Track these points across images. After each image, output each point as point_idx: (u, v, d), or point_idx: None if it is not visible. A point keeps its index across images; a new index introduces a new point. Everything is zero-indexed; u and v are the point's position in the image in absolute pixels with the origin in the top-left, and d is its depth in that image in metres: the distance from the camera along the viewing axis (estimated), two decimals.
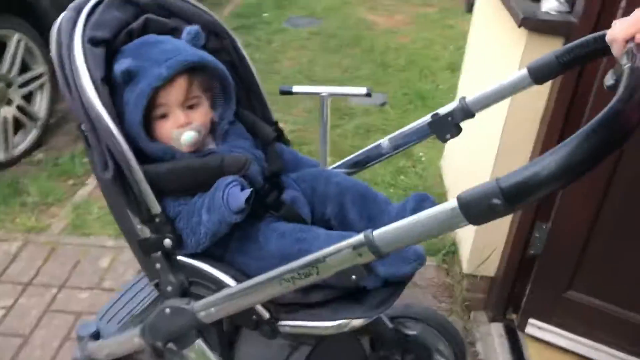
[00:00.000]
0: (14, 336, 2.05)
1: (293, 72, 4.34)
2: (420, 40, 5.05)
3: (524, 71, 1.31)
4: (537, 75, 1.29)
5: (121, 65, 1.20)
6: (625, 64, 0.97)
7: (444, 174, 3.07)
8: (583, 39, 1.20)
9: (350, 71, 4.43)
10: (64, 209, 2.73)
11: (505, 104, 1.85)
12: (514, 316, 2.16)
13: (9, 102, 2.98)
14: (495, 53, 2.11)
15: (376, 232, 0.95)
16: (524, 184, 0.78)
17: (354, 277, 1.01)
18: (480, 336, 2.13)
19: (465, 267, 2.20)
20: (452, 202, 0.84)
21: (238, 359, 1.78)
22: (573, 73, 1.69)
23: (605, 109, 0.81)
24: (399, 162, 3.25)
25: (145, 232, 1.27)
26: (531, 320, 2.08)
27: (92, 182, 2.94)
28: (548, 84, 1.74)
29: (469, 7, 5.58)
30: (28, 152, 3.13)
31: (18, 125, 3.10)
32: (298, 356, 1.75)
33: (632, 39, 1.02)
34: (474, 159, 2.30)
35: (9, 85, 2.97)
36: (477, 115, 2.09)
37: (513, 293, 2.12)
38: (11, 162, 3.02)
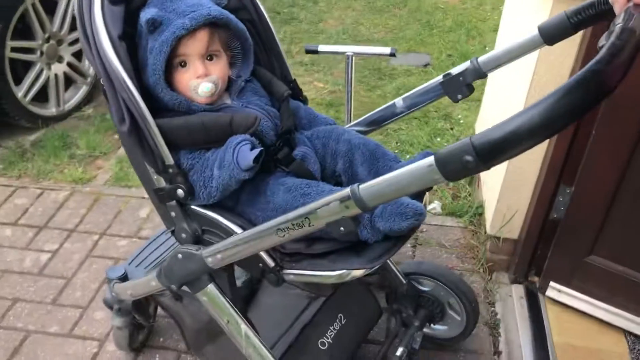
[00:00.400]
0: (57, 278, 2.22)
1: (337, 32, 4.33)
2: (469, 0, 4.92)
3: (535, 31, 1.29)
4: (548, 35, 1.28)
5: (147, 14, 1.26)
6: (618, 23, 0.96)
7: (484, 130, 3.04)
8: (589, 1, 1.18)
9: (395, 32, 4.39)
10: (109, 161, 2.88)
11: (531, 65, 1.83)
12: (535, 279, 2.17)
13: (59, 60, 3.14)
14: (525, 13, 2.06)
15: (362, 186, 0.99)
16: (495, 142, 0.81)
17: (342, 228, 1.06)
18: (501, 297, 2.15)
19: (489, 229, 2.21)
20: (430, 159, 0.87)
21: (259, 308, 1.89)
22: (603, 31, 1.64)
23: (583, 69, 0.82)
24: (437, 124, 3.25)
25: (160, 181, 1.35)
26: (552, 284, 2.09)
27: None
28: (575, 43, 1.73)
29: None
30: (77, 108, 3.29)
31: (68, 82, 3.26)
32: (314, 306, 1.83)
33: None
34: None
35: (59, 42, 3.11)
36: (507, 76, 2.07)
37: (535, 256, 2.12)
38: (62, 117, 3.19)
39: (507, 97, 2.19)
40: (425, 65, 3.95)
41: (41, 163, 2.83)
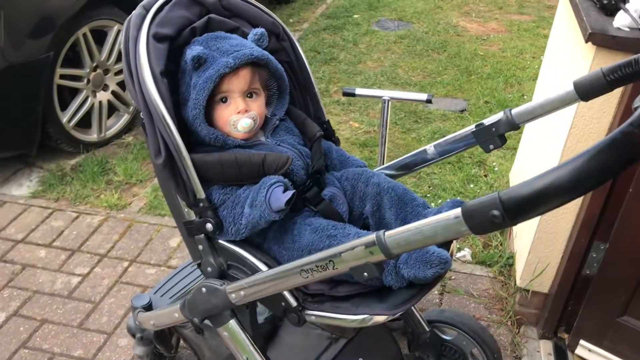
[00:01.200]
0: (86, 302, 2.25)
1: (375, 74, 4.38)
2: (510, 49, 4.92)
3: (570, 87, 1.29)
4: (583, 91, 1.28)
5: (193, 51, 1.31)
6: None
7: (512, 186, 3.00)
8: (631, 57, 1.17)
9: (433, 76, 4.41)
10: (144, 189, 2.95)
11: (568, 119, 1.82)
12: (565, 335, 2.11)
13: (105, 88, 3.25)
14: (565, 66, 2.06)
15: (387, 233, 0.99)
16: (523, 199, 0.80)
17: (365, 274, 1.06)
18: (528, 352, 2.09)
19: (519, 281, 2.17)
20: (457, 211, 0.87)
21: (279, 345, 1.88)
22: None
23: (615, 131, 0.81)
24: (471, 170, 3.22)
25: (190, 214, 1.38)
26: (582, 342, 2.02)
27: None
28: (614, 101, 1.71)
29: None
30: (118, 135, 3.39)
31: (111, 110, 3.36)
32: (335, 348, 1.81)
33: None
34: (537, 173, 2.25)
35: (106, 72, 3.23)
36: (546, 128, 2.06)
37: (566, 312, 2.07)
38: (102, 143, 3.29)
39: (543, 149, 2.17)
40: (462, 111, 3.95)
41: (79, 187, 2.91)
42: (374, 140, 3.48)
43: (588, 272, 1.95)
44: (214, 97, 1.36)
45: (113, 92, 3.30)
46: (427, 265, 1.26)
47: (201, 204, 1.34)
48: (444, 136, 3.76)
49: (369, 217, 1.45)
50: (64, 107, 3.03)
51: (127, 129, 3.46)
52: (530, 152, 2.51)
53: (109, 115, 3.36)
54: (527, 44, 5.06)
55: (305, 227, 1.34)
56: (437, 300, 2.32)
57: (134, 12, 1.39)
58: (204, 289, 1.39)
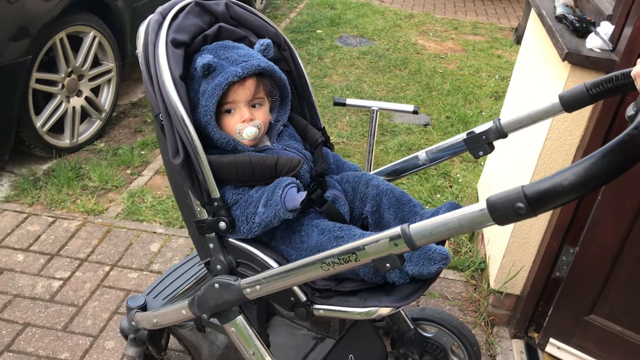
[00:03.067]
0: (69, 305, 2.24)
1: (341, 88, 4.50)
2: (467, 67, 5.16)
3: (556, 99, 1.41)
4: (568, 104, 1.40)
5: (203, 59, 1.37)
6: None
7: (480, 196, 3.16)
8: (612, 74, 1.30)
9: (396, 91, 4.57)
10: (121, 195, 2.94)
11: (543, 131, 1.97)
12: (535, 334, 2.25)
13: (78, 93, 3.23)
14: (539, 84, 2.22)
15: (412, 226, 1.07)
16: (545, 192, 0.90)
17: (388, 265, 1.14)
18: (502, 350, 2.22)
19: (493, 284, 2.30)
20: (481, 204, 0.97)
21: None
22: (611, 106, 1.79)
23: (622, 133, 0.93)
24: (437, 181, 3.37)
25: (203, 214, 1.43)
26: (552, 340, 2.17)
27: (147, 174, 3.15)
28: (586, 115, 1.87)
29: (518, 39, 5.69)
30: (90, 141, 3.37)
31: (83, 116, 3.34)
32: (322, 348, 1.89)
33: None
34: (509, 184, 2.40)
35: (80, 77, 3.21)
36: (517, 141, 2.20)
37: (536, 312, 2.21)
38: (74, 149, 3.26)
39: (515, 161, 2.32)
40: (425, 125, 4.11)
41: (54, 192, 2.88)
42: (344, 151, 3.59)
43: (558, 275, 2.09)
44: (221, 107, 1.42)
45: (86, 98, 3.28)
46: (430, 262, 1.35)
47: (215, 203, 1.40)
48: (410, 149, 3.93)
49: (369, 217, 1.53)
50: (37, 112, 3.00)
51: (99, 135, 3.44)
52: (499, 164, 2.66)
53: (82, 121, 3.33)
54: (483, 63, 5.31)
55: (313, 228, 1.41)
56: (414, 302, 2.42)
57: (150, 17, 1.43)
58: (216, 285, 1.44)
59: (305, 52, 5.17)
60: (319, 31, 5.72)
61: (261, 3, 6.09)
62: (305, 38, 5.47)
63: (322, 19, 6.03)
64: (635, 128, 0.95)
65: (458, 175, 3.47)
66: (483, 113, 4.32)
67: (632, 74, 1.22)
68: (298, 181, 1.39)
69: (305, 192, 1.37)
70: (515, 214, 0.92)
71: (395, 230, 1.09)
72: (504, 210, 0.94)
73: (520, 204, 0.91)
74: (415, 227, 1.07)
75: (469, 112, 4.29)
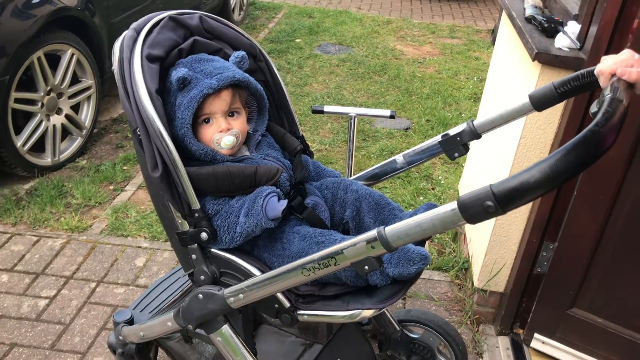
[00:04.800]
0: (55, 323, 2.23)
1: (322, 96, 4.53)
2: (445, 70, 5.22)
3: (526, 99, 1.45)
4: (538, 103, 1.43)
5: (178, 72, 1.39)
6: (607, 94, 1.13)
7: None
8: (577, 72, 1.34)
9: (376, 97, 4.61)
10: (104, 211, 2.94)
11: (518, 130, 2.01)
12: (520, 330, 2.28)
13: (58, 112, 3.23)
14: (512, 84, 2.26)
15: (387, 229, 1.10)
16: (513, 190, 0.92)
17: (366, 267, 1.16)
18: (488, 348, 2.25)
19: (477, 283, 2.33)
20: (452, 204, 0.99)
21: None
22: (582, 103, 1.83)
23: (584, 130, 0.96)
24: (419, 184, 3.40)
25: (184, 225, 1.44)
26: (536, 335, 2.20)
27: (130, 189, 3.15)
28: (558, 113, 1.91)
29: (495, 40, 5.77)
30: (72, 159, 3.36)
31: (64, 133, 3.34)
32: (310, 353, 1.90)
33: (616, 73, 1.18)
34: (488, 183, 2.44)
35: (59, 95, 3.21)
36: (494, 141, 2.24)
37: (520, 308, 2.24)
38: (56, 167, 3.26)
39: (493, 160, 2.36)
40: (406, 129, 4.15)
41: (37, 211, 2.87)
42: (326, 158, 3.62)
43: (539, 270, 2.13)
44: (198, 118, 1.45)
45: (67, 116, 3.28)
46: (409, 263, 1.38)
47: (196, 215, 1.41)
48: (392, 153, 3.97)
49: (349, 222, 1.56)
50: (17, 131, 2.99)
51: (81, 152, 3.44)
52: (478, 164, 2.71)
53: (63, 139, 3.33)
54: (461, 65, 5.37)
55: (294, 235, 1.43)
56: (401, 304, 2.45)
57: (125, 34, 1.45)
58: (200, 295, 1.45)
59: (285, 61, 5.20)
60: (298, 40, 5.76)
61: (239, 14, 6.12)
62: (285, 47, 5.51)
63: (301, 28, 6.08)
64: (596, 124, 0.99)
65: (440, 178, 3.50)
66: (462, 115, 4.38)
67: (595, 72, 1.27)
68: (278, 190, 1.42)
69: (286, 201, 1.39)
70: (485, 212, 0.95)
71: (372, 233, 1.11)
72: (475, 209, 0.96)
73: (490, 202, 0.94)
74: (390, 229, 1.09)
75: (448, 115, 4.34)
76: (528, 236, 2.10)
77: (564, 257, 2.04)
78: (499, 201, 0.93)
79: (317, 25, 6.22)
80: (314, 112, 2.11)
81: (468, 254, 2.59)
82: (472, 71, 5.24)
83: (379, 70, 5.13)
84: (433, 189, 3.41)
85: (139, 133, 1.39)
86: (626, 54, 1.23)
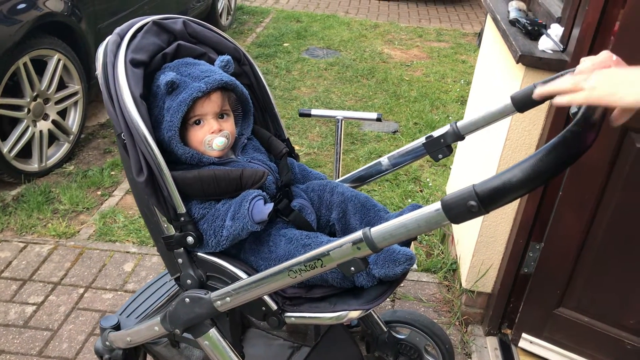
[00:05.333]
0: (43, 330, 2.22)
1: (310, 99, 4.54)
2: (433, 73, 5.25)
3: (508, 100, 1.46)
4: (519, 104, 1.44)
5: (167, 77, 1.39)
6: None
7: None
8: (558, 73, 1.36)
9: (364, 100, 4.63)
10: (92, 217, 2.93)
11: (503, 131, 2.03)
12: (508, 331, 2.29)
13: (45, 117, 3.22)
14: (497, 86, 2.28)
15: (373, 229, 1.11)
16: (495, 189, 0.94)
17: (352, 268, 1.17)
18: (477, 349, 2.26)
19: (465, 284, 2.34)
20: (437, 204, 1.00)
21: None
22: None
23: (564, 130, 0.97)
24: (407, 186, 3.42)
25: (170, 229, 1.44)
26: (524, 335, 2.21)
27: (118, 194, 3.14)
28: (543, 114, 1.93)
29: (481, 44, 5.81)
30: (59, 164, 3.35)
31: (51, 139, 3.33)
32: (298, 356, 1.90)
33: None
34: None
35: (46, 101, 3.20)
36: (481, 142, 2.26)
37: (508, 309, 2.26)
38: (43, 173, 3.24)
39: (479, 161, 2.38)
40: (394, 132, 4.17)
41: (24, 217, 2.85)
42: (314, 161, 3.62)
43: (526, 270, 2.15)
44: (188, 120, 1.45)
45: (53, 122, 3.27)
46: (395, 263, 1.39)
47: (182, 219, 1.41)
48: (380, 156, 4.00)
49: (336, 224, 1.56)
50: (3, 137, 2.98)
51: (68, 157, 3.42)
52: (465, 166, 2.72)
53: (50, 145, 3.31)
54: (448, 69, 5.40)
55: (280, 238, 1.44)
56: (390, 306, 2.45)
57: (108, 38, 1.45)
58: (187, 300, 1.45)
59: (273, 65, 5.21)
60: (285, 44, 5.77)
61: (227, 19, 6.12)
62: (273, 52, 5.52)
63: (289, 32, 6.09)
64: (576, 124, 1.00)
65: (428, 180, 3.52)
66: (450, 118, 4.40)
67: (575, 73, 1.28)
68: (264, 193, 1.42)
69: (272, 204, 1.40)
70: (468, 212, 0.96)
71: (357, 234, 1.12)
72: (458, 209, 0.97)
73: (473, 202, 0.95)
74: (376, 230, 1.10)
75: (436, 118, 4.36)
76: (514, 237, 2.11)
77: (551, 257, 2.06)
78: (481, 201, 0.94)
79: (304, 29, 6.23)
80: (301, 115, 2.11)
81: (456, 255, 2.60)
82: (459, 74, 5.27)
83: (366, 74, 5.15)
84: (421, 191, 3.43)
85: (123, 138, 1.39)
86: (604, 55, 1.24)
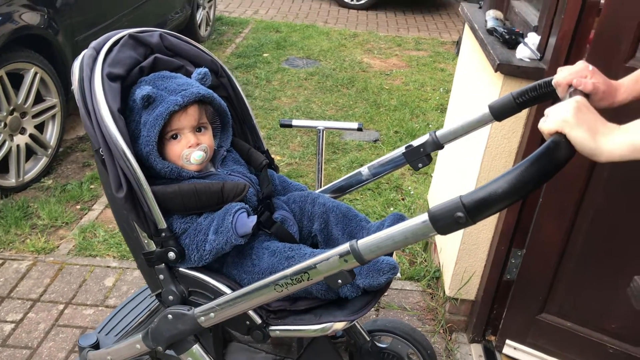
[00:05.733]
0: (22, 348, 2.18)
1: (291, 109, 4.54)
2: (412, 82, 5.28)
3: (486, 109, 1.47)
4: (497, 113, 1.45)
5: (142, 91, 1.38)
6: None
7: (431, 207, 3.23)
8: (535, 82, 1.37)
9: (345, 110, 4.64)
10: (72, 231, 2.88)
11: (483, 139, 2.04)
12: (492, 337, 2.30)
13: (22, 131, 3.17)
14: (476, 94, 2.30)
15: (360, 242, 1.11)
16: (482, 201, 0.94)
17: (339, 281, 1.17)
18: (461, 356, 2.26)
19: (448, 291, 2.35)
20: (423, 216, 1.01)
21: None
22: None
23: (547, 141, 0.98)
24: (389, 195, 3.42)
25: (151, 245, 1.42)
26: (508, 341, 2.22)
27: (98, 208, 3.10)
28: (522, 121, 1.95)
29: (459, 52, 5.87)
30: (37, 179, 3.30)
31: (29, 153, 3.28)
32: None
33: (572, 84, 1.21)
34: (456, 193, 2.47)
35: (23, 115, 3.16)
36: (461, 151, 2.27)
37: (491, 316, 2.27)
38: (21, 188, 3.19)
39: (460, 169, 2.39)
40: (375, 141, 4.18)
41: (1, 233, 2.80)
42: (296, 171, 3.62)
43: (509, 277, 2.16)
44: (165, 134, 1.44)
45: (31, 135, 3.22)
46: (379, 273, 1.39)
47: (163, 234, 1.40)
48: (362, 165, 4.00)
49: (318, 235, 1.56)
50: None
51: (46, 171, 3.38)
52: (446, 174, 2.74)
53: (27, 159, 3.27)
54: (427, 77, 5.45)
55: (263, 250, 1.43)
56: (374, 315, 2.45)
57: (84, 52, 1.43)
58: (170, 316, 1.43)
59: (253, 75, 5.20)
60: (265, 55, 5.77)
61: (206, 30, 6.11)
62: (252, 62, 5.51)
63: (268, 43, 6.09)
64: (558, 135, 1.01)
65: (410, 188, 3.53)
66: (430, 126, 4.43)
67: (553, 82, 1.30)
68: (247, 206, 1.41)
69: (256, 217, 1.39)
70: (456, 223, 0.97)
71: (344, 246, 1.12)
72: (445, 221, 0.98)
73: (460, 214, 0.95)
74: (363, 243, 1.10)
75: (416, 126, 4.38)
76: (496, 244, 2.13)
77: (532, 263, 2.08)
78: (468, 212, 0.95)
79: (284, 39, 6.24)
80: (282, 126, 2.11)
81: (439, 263, 2.61)
82: (438, 82, 5.32)
83: (347, 83, 5.17)
84: (403, 199, 3.44)
85: (101, 153, 1.37)
86: (581, 65, 1.26)
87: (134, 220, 1.40)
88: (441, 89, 5.15)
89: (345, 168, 3.73)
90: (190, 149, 1.45)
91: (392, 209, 3.31)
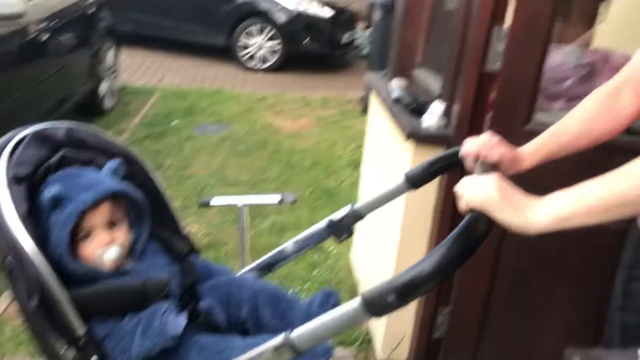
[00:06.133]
0: None
1: (205, 177, 4.49)
2: (323, 141, 5.40)
3: (403, 178, 1.52)
4: (412, 181, 1.51)
5: (50, 191, 1.31)
6: (479, 174, 1.21)
7: (354, 267, 3.26)
8: (445, 152, 1.44)
9: (260, 173, 4.65)
10: None
11: (401, 203, 2.09)
12: None
13: None
14: (389, 157, 2.38)
15: (294, 333, 1.08)
16: (409, 283, 0.96)
17: None
18: None
19: (381, 354, 2.34)
20: (357, 300, 1.00)
21: None
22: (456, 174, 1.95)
23: (466, 218, 1.02)
24: (312, 257, 3.41)
25: (70, 353, 1.32)
26: None
27: (3, 303, 2.87)
28: (434, 187, 2.02)
29: (364, 109, 6.08)
30: None
31: None
32: None
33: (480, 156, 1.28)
34: (379, 252, 2.51)
35: None
36: (379, 213, 2.32)
37: None
38: None
39: (382, 230, 2.43)
40: (293, 202, 4.18)
41: None
42: (216, 240, 3.55)
43: (438, 335, 2.19)
44: (77, 234, 1.37)
45: None
46: (314, 358, 1.36)
47: (82, 341, 1.31)
48: (282, 228, 3.97)
49: (247, 320, 1.52)
50: None
51: None
52: (368, 234, 2.78)
53: None
54: (337, 135, 5.59)
55: (191, 346, 1.36)
56: None
57: None
58: None
59: (164, 145, 5.11)
60: (175, 122, 5.70)
61: (110, 101, 5.98)
62: (162, 130, 5.42)
63: (177, 110, 6.04)
64: (472, 211, 1.05)
65: (331, 248, 3.54)
66: (344, 183, 4.51)
67: (460, 154, 1.36)
68: (173, 303, 1.35)
69: (185, 314, 1.33)
70: (389, 306, 0.97)
71: (278, 339, 1.09)
72: (379, 305, 0.98)
73: (391, 297, 0.96)
74: (297, 333, 1.07)
75: (331, 184, 4.46)
76: (424, 303, 2.16)
77: (458, 320, 2.12)
78: (398, 295, 0.96)
79: (193, 105, 6.22)
80: (201, 205, 2.07)
81: (369, 326, 2.61)
82: (348, 139, 5.45)
83: (259, 146, 5.19)
84: (326, 260, 3.44)
85: (8, 262, 1.28)
86: (487, 136, 1.33)
87: (49, 329, 1.31)
88: (351, 146, 5.28)
89: (266, 232, 3.71)
90: (104, 248, 1.37)
91: (316, 270, 3.30)
